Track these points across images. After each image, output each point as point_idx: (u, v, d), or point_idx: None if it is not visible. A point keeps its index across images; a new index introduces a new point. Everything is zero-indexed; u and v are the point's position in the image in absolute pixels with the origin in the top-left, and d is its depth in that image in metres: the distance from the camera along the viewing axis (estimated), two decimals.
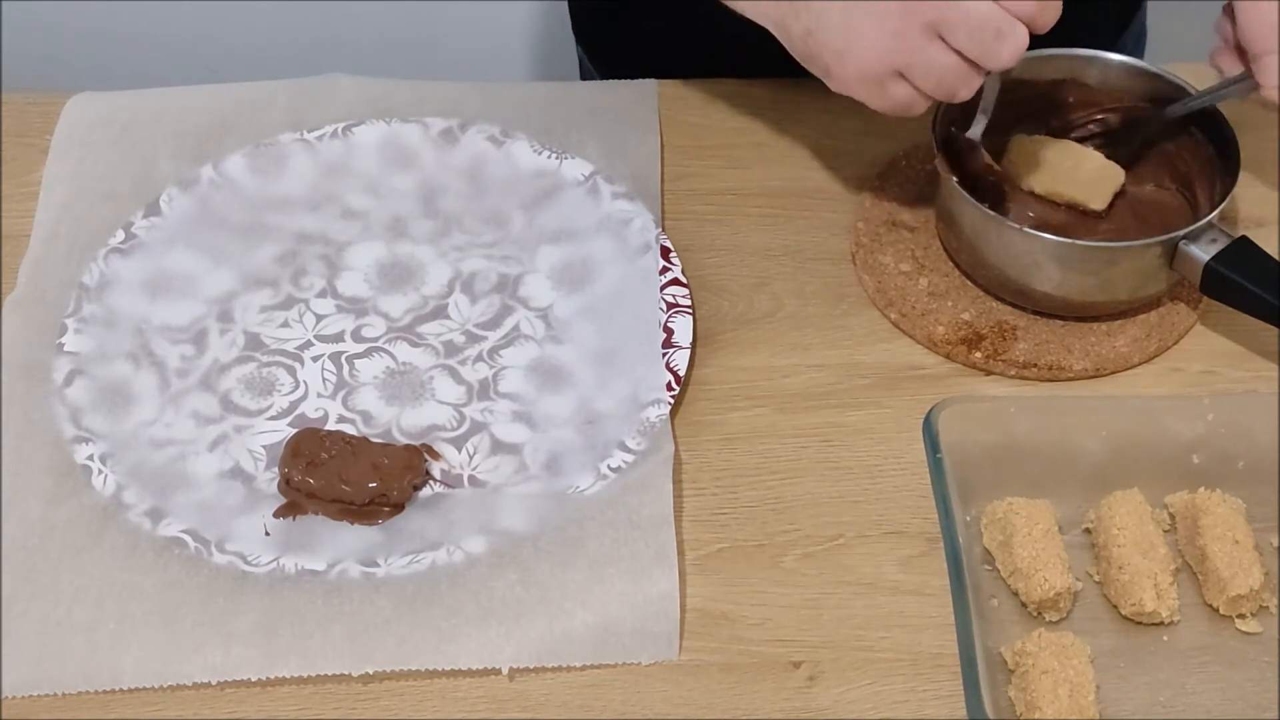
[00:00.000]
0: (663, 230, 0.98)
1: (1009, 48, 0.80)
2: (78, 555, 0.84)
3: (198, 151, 1.03)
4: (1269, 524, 0.86)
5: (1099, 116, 1.01)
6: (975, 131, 0.94)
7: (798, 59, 0.87)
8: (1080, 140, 1.01)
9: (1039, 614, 0.82)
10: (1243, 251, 0.90)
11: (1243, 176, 0.92)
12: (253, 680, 0.80)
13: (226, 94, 1.08)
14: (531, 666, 0.80)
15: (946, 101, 0.85)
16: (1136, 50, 1.22)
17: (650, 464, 0.87)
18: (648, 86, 1.08)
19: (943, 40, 0.81)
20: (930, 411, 0.84)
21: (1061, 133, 1.01)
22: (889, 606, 0.83)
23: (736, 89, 1.10)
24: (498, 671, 0.80)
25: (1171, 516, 0.87)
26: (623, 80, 1.09)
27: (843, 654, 0.81)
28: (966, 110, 0.95)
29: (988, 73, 0.83)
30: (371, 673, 0.80)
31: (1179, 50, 1.06)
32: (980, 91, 0.88)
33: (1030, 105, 0.99)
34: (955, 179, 0.93)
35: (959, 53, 0.81)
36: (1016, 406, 0.86)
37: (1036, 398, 0.92)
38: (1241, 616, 0.82)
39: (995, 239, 0.93)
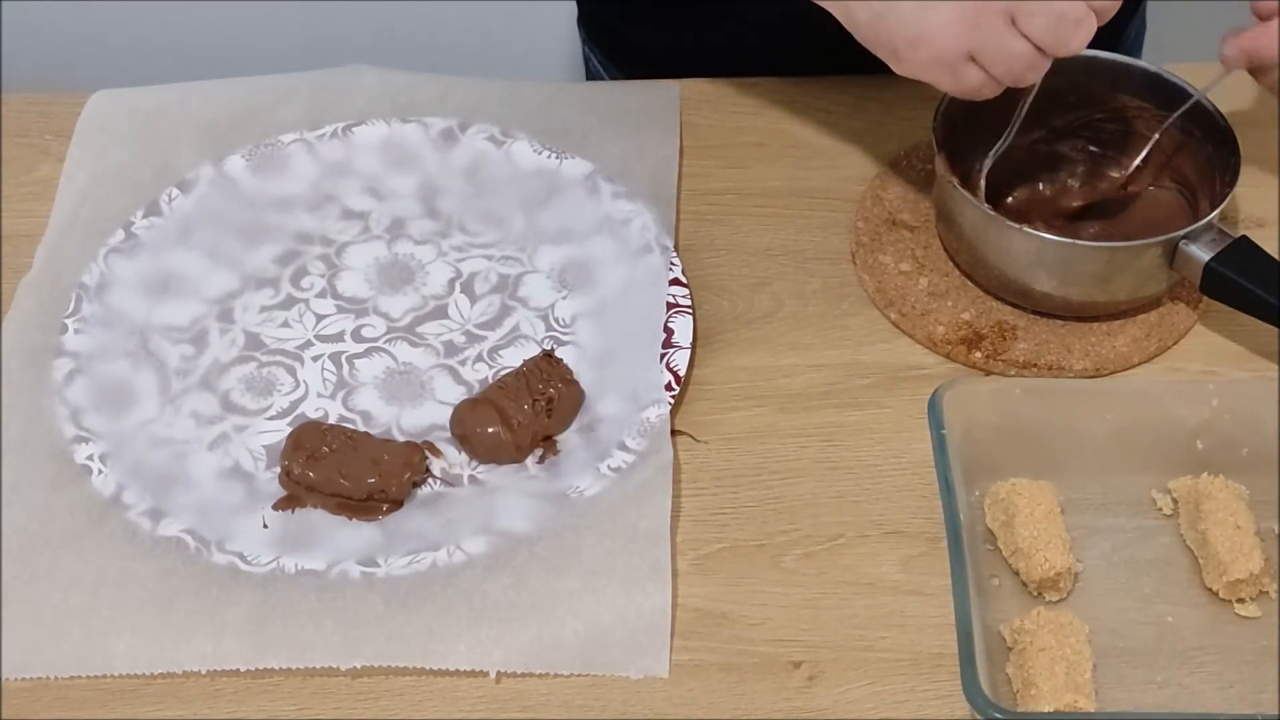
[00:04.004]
0: (677, 233, 0.98)
1: (1081, 35, 0.81)
2: (78, 541, 0.84)
3: (220, 142, 1.04)
4: (1271, 510, 0.86)
5: (1099, 116, 1.01)
6: (987, 163, 0.95)
7: (861, 42, 0.87)
8: (1080, 143, 1.01)
9: (1039, 594, 0.83)
10: (1243, 251, 0.90)
11: (1243, 176, 0.92)
12: (243, 671, 0.80)
13: (249, 86, 1.08)
14: (519, 672, 0.80)
15: (1013, 86, 0.85)
16: (1136, 47, 1.22)
17: (650, 468, 0.87)
18: (670, 90, 1.08)
19: (1016, 27, 0.81)
20: (936, 391, 0.84)
21: (1062, 133, 1.01)
22: (889, 606, 0.83)
23: (736, 89, 1.10)
24: (487, 673, 0.80)
25: (1174, 501, 0.87)
26: (645, 81, 1.09)
27: (843, 654, 0.81)
28: (968, 112, 0.95)
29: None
30: (359, 668, 0.80)
31: (1179, 50, 1.06)
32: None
33: (1030, 105, 0.99)
34: (955, 179, 0.93)
35: (1030, 39, 0.82)
36: (1022, 389, 0.87)
37: (1042, 381, 0.92)
38: (1241, 601, 0.83)
39: (995, 239, 0.93)
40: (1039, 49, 0.82)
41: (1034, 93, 0.90)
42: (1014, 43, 0.82)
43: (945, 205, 0.97)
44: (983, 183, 0.95)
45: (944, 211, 0.98)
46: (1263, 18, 0.90)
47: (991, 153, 0.95)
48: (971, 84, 0.85)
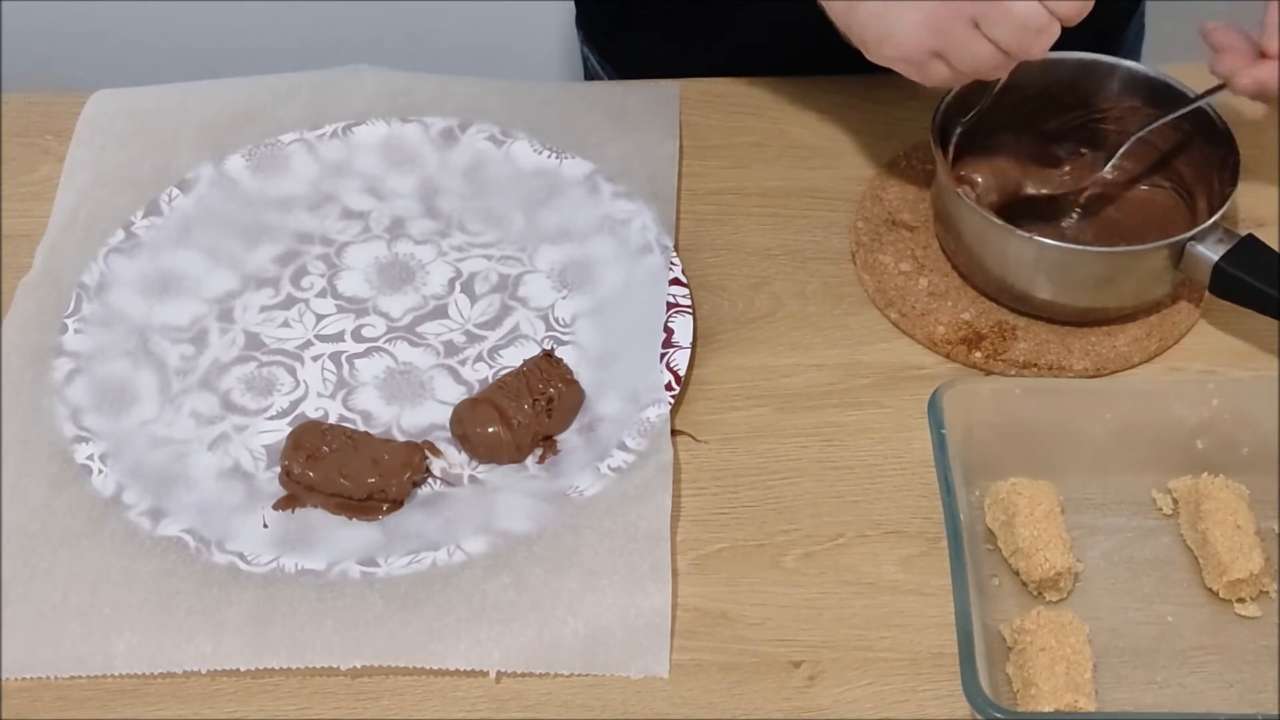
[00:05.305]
0: (677, 233, 0.98)
1: (1044, 42, 0.83)
2: (78, 541, 0.84)
3: (220, 142, 1.04)
4: (1271, 510, 0.86)
5: (1093, 118, 1.01)
6: (957, 131, 0.96)
7: (837, 25, 0.89)
8: (1072, 145, 1.01)
9: (1039, 593, 0.83)
10: (1250, 250, 0.90)
11: (1242, 176, 0.92)
12: (243, 671, 0.80)
13: (249, 86, 1.08)
14: (519, 672, 0.80)
15: (982, 80, 0.87)
16: (1135, 49, 1.22)
17: (650, 468, 0.87)
18: (670, 89, 1.08)
19: (980, 30, 0.83)
20: (936, 391, 0.84)
21: (1054, 137, 1.01)
22: (889, 606, 0.83)
23: (736, 89, 1.10)
24: (487, 673, 0.80)
25: (1174, 501, 0.87)
26: (645, 81, 1.09)
27: (843, 654, 0.81)
28: (969, 109, 0.95)
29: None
30: (359, 667, 0.80)
31: (1178, 50, 1.06)
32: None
33: (1023, 109, 0.99)
34: (954, 182, 0.93)
35: (994, 43, 0.83)
36: (1022, 389, 0.87)
37: (1042, 381, 0.92)
38: (1241, 601, 0.83)
39: (995, 244, 0.93)
40: (1004, 51, 0.84)
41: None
42: (979, 45, 0.83)
43: (944, 208, 0.97)
44: (951, 150, 0.95)
45: (942, 214, 0.97)
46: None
47: (963, 120, 0.96)
48: (939, 78, 0.86)
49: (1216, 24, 0.93)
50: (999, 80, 0.92)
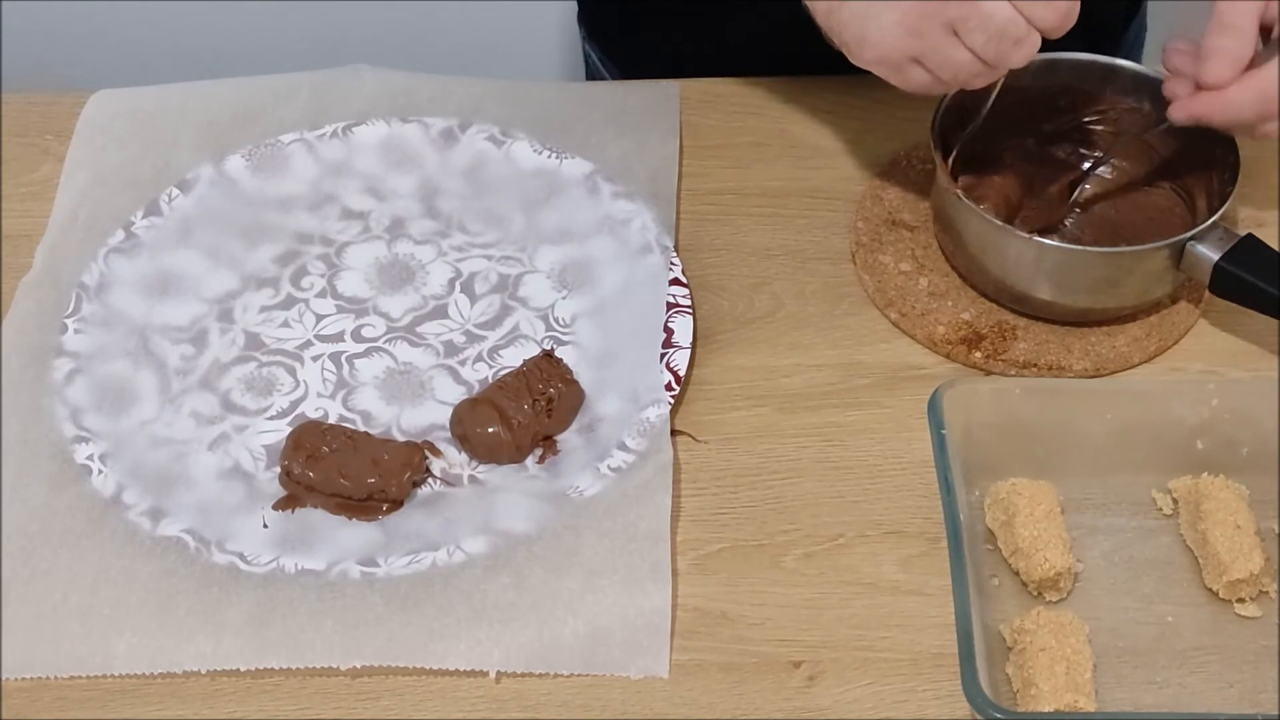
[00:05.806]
0: (677, 233, 0.98)
1: (1023, 53, 0.82)
2: (78, 541, 0.84)
3: (220, 142, 1.04)
4: (1271, 510, 0.86)
5: (1088, 120, 1.00)
6: (964, 133, 0.95)
7: (820, 27, 0.88)
8: (1070, 146, 1.01)
9: (1039, 594, 0.83)
10: (1251, 249, 0.90)
11: (1241, 176, 0.92)
12: (243, 670, 0.80)
13: (250, 86, 1.08)
14: (519, 672, 0.80)
15: (963, 88, 0.87)
16: (1135, 50, 1.22)
17: (650, 468, 0.87)
18: (670, 89, 1.08)
19: (959, 37, 0.82)
20: (936, 391, 0.84)
21: (1054, 137, 1.01)
22: (889, 606, 0.83)
23: (736, 89, 1.10)
24: (487, 673, 0.80)
25: (1174, 501, 0.87)
26: (645, 81, 1.09)
27: (843, 654, 0.82)
28: (968, 112, 0.95)
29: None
30: (359, 667, 0.80)
31: None
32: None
33: (1020, 111, 0.99)
34: (954, 185, 0.93)
35: (973, 50, 0.83)
36: (1022, 389, 0.87)
37: (1042, 381, 0.92)
38: (1241, 601, 0.83)
39: (995, 245, 0.92)
40: (981, 59, 0.83)
41: (1004, 74, 0.90)
42: (957, 52, 0.83)
43: (944, 210, 0.97)
44: (950, 160, 0.95)
45: (941, 215, 0.97)
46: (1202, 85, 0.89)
47: (964, 132, 0.95)
48: (918, 84, 0.86)
49: (1177, 43, 0.91)
50: (997, 85, 0.91)
